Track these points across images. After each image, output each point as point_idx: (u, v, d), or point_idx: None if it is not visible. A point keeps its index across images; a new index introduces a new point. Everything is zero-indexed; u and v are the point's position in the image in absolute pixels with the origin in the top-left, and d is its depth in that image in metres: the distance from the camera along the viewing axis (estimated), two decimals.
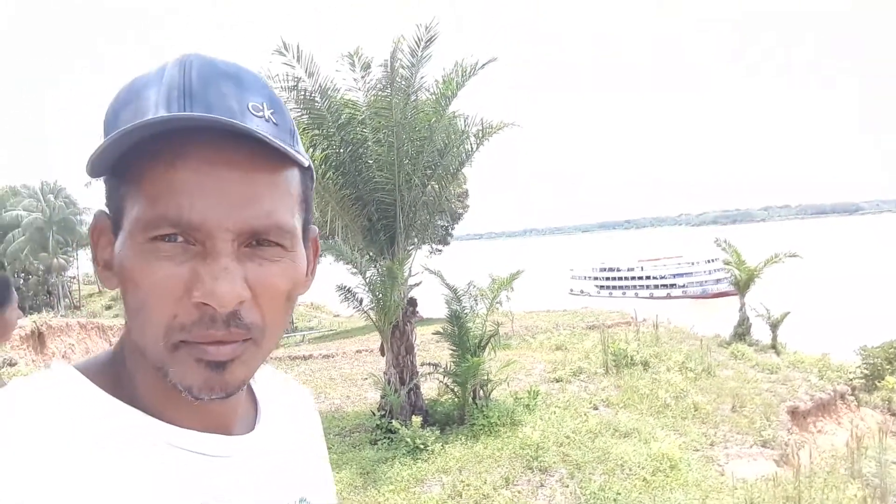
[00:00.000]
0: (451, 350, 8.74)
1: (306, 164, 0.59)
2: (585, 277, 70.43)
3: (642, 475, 6.58)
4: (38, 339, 13.74)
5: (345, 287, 8.64)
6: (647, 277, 61.94)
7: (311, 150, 7.85)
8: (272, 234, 0.55)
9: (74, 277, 47.63)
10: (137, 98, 0.54)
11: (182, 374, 0.54)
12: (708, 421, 8.90)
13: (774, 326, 14.82)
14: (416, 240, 9.67)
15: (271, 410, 0.72)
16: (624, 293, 61.28)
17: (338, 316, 31.60)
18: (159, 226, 0.52)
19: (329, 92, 7.91)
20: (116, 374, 0.60)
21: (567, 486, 6.47)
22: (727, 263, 17.01)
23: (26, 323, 13.50)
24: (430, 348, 14.84)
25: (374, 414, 8.77)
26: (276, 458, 0.68)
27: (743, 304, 15.90)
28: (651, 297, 57.26)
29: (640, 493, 6.10)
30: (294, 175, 0.58)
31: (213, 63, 0.55)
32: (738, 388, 10.42)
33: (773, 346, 14.56)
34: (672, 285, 57.84)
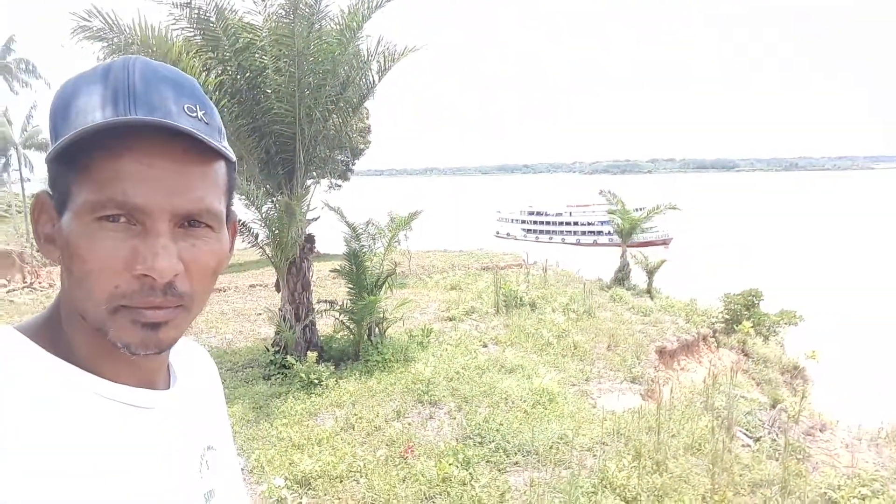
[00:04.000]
0: (349, 288, 8.78)
1: (233, 159, 0.69)
2: (513, 220, 68.05)
3: (524, 407, 7.08)
4: None
5: (239, 221, 8.34)
6: (575, 223, 60.58)
7: (204, 73, 7.40)
8: (203, 217, 0.65)
9: None
10: (84, 94, 0.61)
11: (121, 333, 0.62)
12: (585, 358, 9.62)
13: (651, 273, 16.00)
14: (315, 175, 9.48)
15: (182, 369, 0.80)
16: (551, 238, 60.29)
17: (254, 248, 30.51)
18: (106, 207, 0.60)
19: (226, 12, 7.40)
20: (53, 335, 0.66)
21: (454, 418, 6.85)
22: (611, 213, 17.99)
23: None
24: (327, 285, 14.81)
25: (268, 350, 8.74)
26: (189, 410, 0.77)
27: (624, 251, 17.00)
28: (578, 243, 56.93)
29: (520, 424, 6.57)
30: (221, 167, 0.68)
31: (154, 67, 0.64)
32: (614, 328, 11.28)
33: (649, 291, 15.77)
34: (599, 232, 56.55)
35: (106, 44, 6.56)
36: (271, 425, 6.51)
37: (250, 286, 16.25)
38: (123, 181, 0.60)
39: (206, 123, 0.65)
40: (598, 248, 50.62)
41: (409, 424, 6.66)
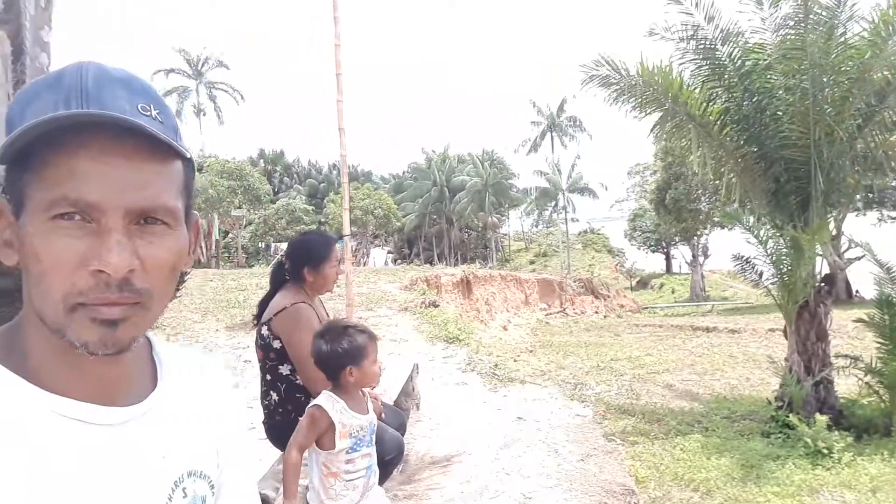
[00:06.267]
0: (878, 343, 7.04)
1: (188, 156, 0.68)
2: None
3: None
4: (465, 285, 16.49)
5: (742, 257, 7.79)
6: None
7: (704, 104, 7.24)
8: (159, 213, 0.64)
9: (506, 234, 55.41)
10: (39, 98, 0.63)
11: (79, 332, 0.62)
12: None
13: None
14: (841, 203, 8.06)
15: (172, 387, 0.75)
16: None
17: (756, 288, 28.73)
18: (59, 205, 0.60)
19: (732, 37, 7.08)
20: (9, 345, 0.68)
21: None
22: None
23: (457, 272, 16.29)
24: (865, 337, 12.30)
25: (769, 403, 7.76)
26: (166, 430, 0.72)
27: None
28: None
29: None
30: (177, 165, 0.67)
31: (107, 70, 0.65)
32: None
33: None
34: None
35: (612, 89, 7.14)
36: (759, 490, 5.69)
37: (769, 330, 14.86)
38: (76, 179, 0.60)
39: (161, 122, 0.65)
40: None
41: None
